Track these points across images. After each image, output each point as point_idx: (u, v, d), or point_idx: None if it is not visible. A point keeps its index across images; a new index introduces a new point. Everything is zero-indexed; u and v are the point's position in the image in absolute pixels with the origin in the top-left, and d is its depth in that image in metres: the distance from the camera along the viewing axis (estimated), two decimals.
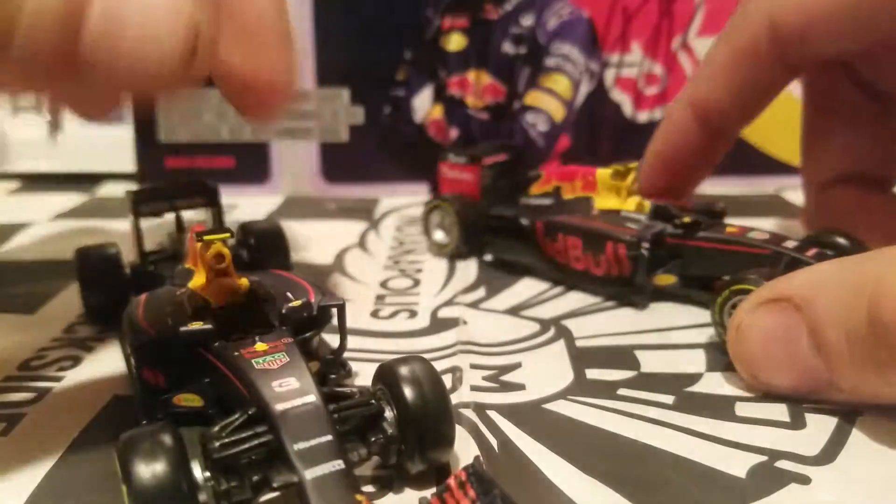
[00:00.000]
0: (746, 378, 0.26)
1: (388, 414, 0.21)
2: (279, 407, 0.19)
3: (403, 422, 0.20)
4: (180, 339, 0.22)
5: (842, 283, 0.23)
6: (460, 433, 0.24)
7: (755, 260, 0.30)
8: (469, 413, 0.25)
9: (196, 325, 0.22)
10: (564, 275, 0.36)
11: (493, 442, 0.23)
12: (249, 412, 0.19)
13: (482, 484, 0.17)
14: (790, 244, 0.30)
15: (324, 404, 0.19)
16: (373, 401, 0.21)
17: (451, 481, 0.18)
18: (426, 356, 0.30)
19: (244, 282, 0.24)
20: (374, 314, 0.34)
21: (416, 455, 0.21)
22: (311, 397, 0.19)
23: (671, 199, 0.36)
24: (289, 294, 0.25)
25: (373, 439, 0.21)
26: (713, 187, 0.44)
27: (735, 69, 0.34)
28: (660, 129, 0.38)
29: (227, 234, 0.23)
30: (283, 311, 0.23)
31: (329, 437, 0.18)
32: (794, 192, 0.50)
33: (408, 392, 0.20)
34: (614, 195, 0.36)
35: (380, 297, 0.35)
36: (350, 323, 0.32)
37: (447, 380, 0.27)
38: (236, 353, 0.21)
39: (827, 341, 0.23)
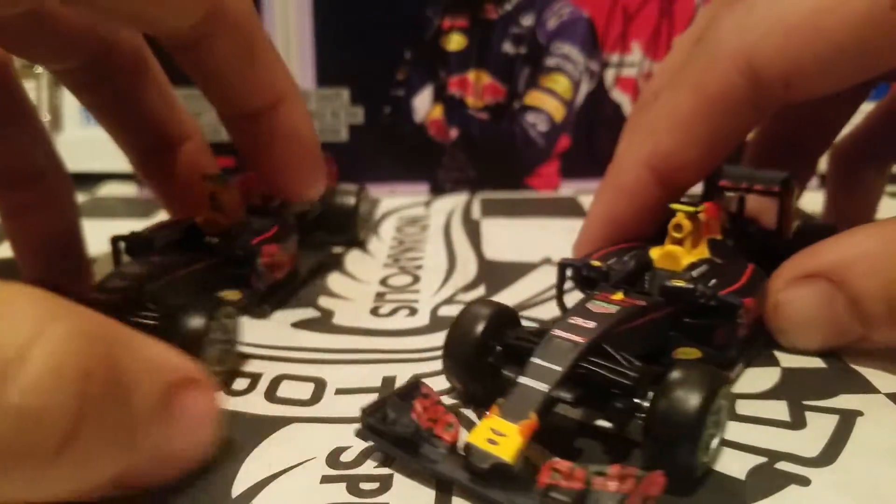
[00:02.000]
0: (786, 345, 0.28)
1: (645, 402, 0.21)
2: (554, 331, 0.22)
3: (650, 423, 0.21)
4: None
5: (879, 257, 0.26)
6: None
7: None
8: (469, 412, 0.25)
9: None
10: None
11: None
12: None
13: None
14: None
15: (585, 350, 0.22)
16: (630, 380, 0.21)
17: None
18: (426, 354, 0.30)
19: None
20: (374, 311, 0.34)
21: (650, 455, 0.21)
22: (580, 339, 0.22)
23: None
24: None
25: (618, 405, 0.22)
26: None
27: (705, 120, 0.30)
28: (610, 193, 0.33)
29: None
30: (666, 283, 0.26)
31: (558, 369, 0.21)
32: None
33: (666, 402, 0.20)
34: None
35: (379, 295, 0.35)
36: (349, 321, 0.32)
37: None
38: (596, 293, 0.25)
39: (868, 311, 0.26)
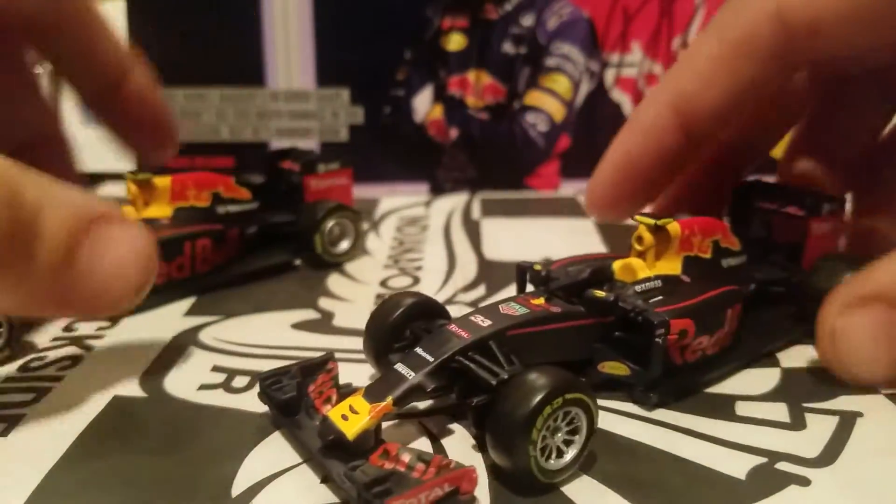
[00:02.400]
0: (845, 378, 0.26)
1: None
2: (447, 326, 0.24)
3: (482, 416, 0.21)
4: None
5: None
6: (459, 430, 0.24)
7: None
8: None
9: None
10: None
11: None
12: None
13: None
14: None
15: (466, 347, 0.22)
16: (494, 381, 0.21)
17: None
18: None
19: None
20: None
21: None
22: (465, 336, 0.23)
23: (616, 216, 0.33)
24: None
25: (474, 402, 0.22)
26: None
27: (728, 65, 0.30)
28: (628, 131, 0.33)
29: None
30: (587, 293, 0.25)
31: (431, 360, 0.22)
32: None
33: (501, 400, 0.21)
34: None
35: (379, 297, 0.35)
36: (349, 323, 0.32)
37: None
38: (518, 296, 0.26)
39: None
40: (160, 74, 0.39)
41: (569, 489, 0.21)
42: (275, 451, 0.23)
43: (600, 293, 0.25)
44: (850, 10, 0.27)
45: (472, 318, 0.24)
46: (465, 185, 0.55)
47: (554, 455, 0.21)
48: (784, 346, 0.29)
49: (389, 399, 0.21)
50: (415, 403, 0.24)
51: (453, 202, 0.52)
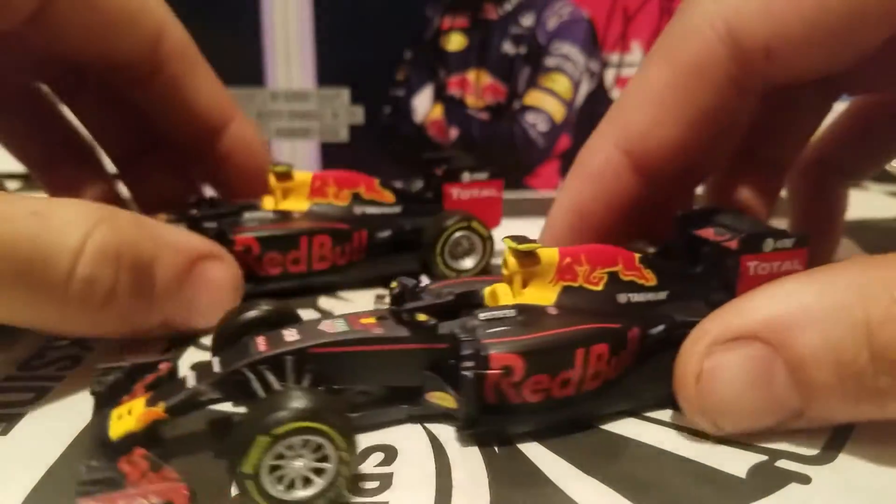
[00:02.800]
0: (709, 429, 0.23)
1: None
2: (254, 337, 0.23)
3: None
4: None
5: (826, 313, 0.20)
6: (463, 436, 0.24)
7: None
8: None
9: None
10: None
11: (494, 442, 0.23)
12: None
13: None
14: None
15: (256, 362, 0.22)
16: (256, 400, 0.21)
17: None
18: None
19: None
20: None
21: None
22: (264, 350, 0.22)
23: None
24: None
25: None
26: None
27: (680, 93, 0.26)
28: (576, 179, 0.29)
29: None
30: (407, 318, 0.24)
31: (217, 371, 0.22)
32: None
33: None
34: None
35: (379, 297, 0.35)
36: None
37: None
38: (350, 314, 0.25)
39: (813, 379, 0.21)
40: None
41: (569, 489, 0.21)
42: None
43: (423, 317, 0.24)
44: (806, 30, 0.24)
45: (285, 331, 0.23)
46: None
47: (299, 483, 0.20)
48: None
49: (161, 406, 0.21)
50: None
51: None
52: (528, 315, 0.24)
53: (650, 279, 0.26)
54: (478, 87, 0.53)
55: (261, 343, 0.23)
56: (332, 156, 0.54)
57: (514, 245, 0.24)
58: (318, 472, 0.20)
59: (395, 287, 0.24)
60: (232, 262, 0.31)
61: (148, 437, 0.21)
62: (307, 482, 0.20)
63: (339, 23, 0.52)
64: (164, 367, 0.24)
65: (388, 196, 0.37)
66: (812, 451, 0.22)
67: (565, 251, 0.25)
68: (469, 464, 0.22)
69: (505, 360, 0.22)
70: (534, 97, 0.54)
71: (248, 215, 0.35)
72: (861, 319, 0.20)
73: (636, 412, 0.25)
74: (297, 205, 0.36)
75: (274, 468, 0.20)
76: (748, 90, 0.27)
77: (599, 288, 0.25)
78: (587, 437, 0.24)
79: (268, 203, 0.36)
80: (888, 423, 0.24)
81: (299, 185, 0.36)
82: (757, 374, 0.21)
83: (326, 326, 0.23)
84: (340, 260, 0.35)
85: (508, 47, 0.53)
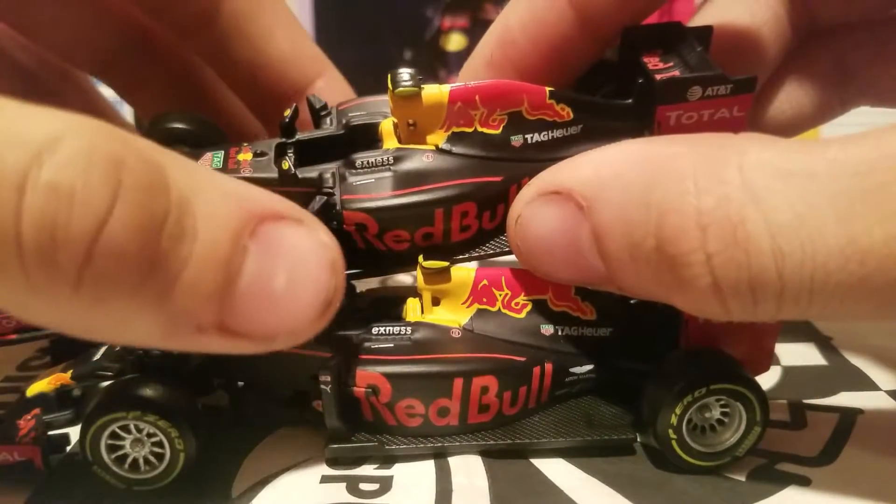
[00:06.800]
0: (528, 269, 0.22)
1: None
2: None
3: None
4: None
5: (628, 188, 0.19)
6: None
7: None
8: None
9: None
10: None
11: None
12: None
13: None
14: None
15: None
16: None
17: None
18: None
19: None
20: None
21: None
22: None
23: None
24: None
25: None
26: None
27: None
28: (507, 8, 0.25)
29: None
30: None
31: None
32: None
33: None
34: None
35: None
36: None
37: None
38: None
39: (609, 251, 0.19)
40: None
41: (569, 489, 0.21)
42: (275, 451, 0.23)
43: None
44: None
45: None
46: None
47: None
48: (575, 445, 0.23)
49: (69, 373, 0.23)
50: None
51: None
52: (423, 335, 0.23)
53: (586, 313, 0.24)
54: None
55: None
56: None
57: (423, 262, 0.23)
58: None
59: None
60: (323, 228, 0.18)
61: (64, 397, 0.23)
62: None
63: (339, 23, 0.52)
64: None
65: (564, 112, 0.24)
66: (812, 453, 0.22)
67: (485, 272, 0.23)
68: (469, 467, 0.22)
69: (371, 378, 0.22)
70: None
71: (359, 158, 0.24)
72: (655, 202, 0.18)
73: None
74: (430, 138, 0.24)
75: None
76: None
77: (521, 316, 0.24)
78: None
79: (392, 143, 0.24)
80: (887, 424, 0.24)
81: (434, 110, 0.24)
82: (564, 232, 0.20)
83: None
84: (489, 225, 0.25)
85: None
